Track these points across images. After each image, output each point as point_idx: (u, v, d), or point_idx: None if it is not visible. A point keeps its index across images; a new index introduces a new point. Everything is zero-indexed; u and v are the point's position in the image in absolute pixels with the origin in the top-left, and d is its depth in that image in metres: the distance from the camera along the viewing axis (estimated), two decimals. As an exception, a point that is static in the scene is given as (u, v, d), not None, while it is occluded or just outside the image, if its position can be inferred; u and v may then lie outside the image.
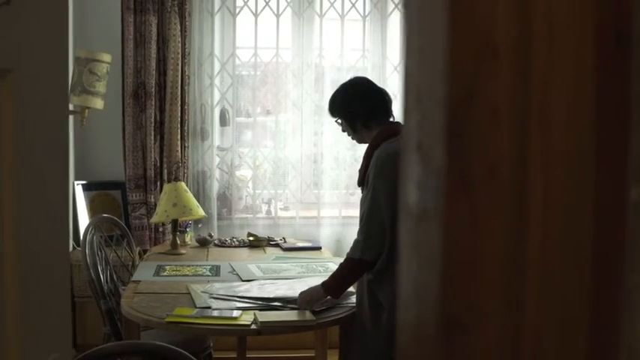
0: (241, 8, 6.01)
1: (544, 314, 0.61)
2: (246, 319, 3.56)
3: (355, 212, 6.07)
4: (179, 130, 5.81)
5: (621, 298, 0.61)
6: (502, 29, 0.59)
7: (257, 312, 3.62)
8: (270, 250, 5.28)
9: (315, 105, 6.11)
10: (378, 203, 3.54)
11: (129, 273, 5.01)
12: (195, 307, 3.70)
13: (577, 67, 0.60)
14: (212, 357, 4.69)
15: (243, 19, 6.04)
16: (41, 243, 1.44)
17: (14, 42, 1.36)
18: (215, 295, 3.89)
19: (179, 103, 5.78)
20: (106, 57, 5.49)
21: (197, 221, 5.76)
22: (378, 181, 3.54)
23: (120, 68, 5.71)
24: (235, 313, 3.61)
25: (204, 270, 4.56)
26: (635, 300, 0.60)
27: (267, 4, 6.03)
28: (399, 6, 6.13)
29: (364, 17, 6.15)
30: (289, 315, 3.62)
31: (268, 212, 6.23)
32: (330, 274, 3.81)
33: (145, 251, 5.54)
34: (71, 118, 5.07)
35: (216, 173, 6.08)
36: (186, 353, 2.41)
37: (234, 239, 5.51)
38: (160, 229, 5.86)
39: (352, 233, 5.94)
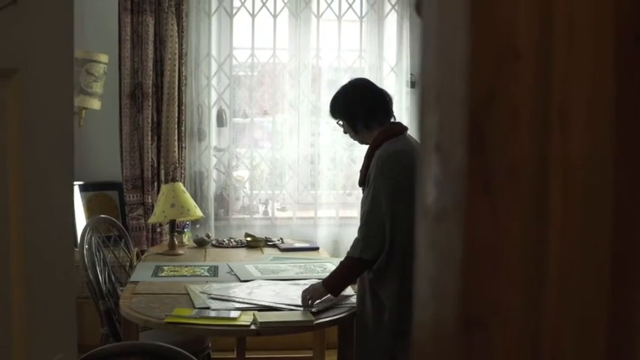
0: (238, 9, 6.01)
1: (563, 314, 0.62)
2: (246, 319, 3.56)
3: (352, 213, 6.12)
4: (176, 131, 5.81)
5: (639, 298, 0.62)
6: (523, 30, 0.60)
7: (256, 312, 3.62)
8: (267, 250, 5.28)
9: (312, 105, 6.12)
10: (379, 203, 3.55)
11: (126, 274, 5.00)
12: (194, 308, 3.70)
13: (597, 67, 0.60)
14: (210, 358, 4.69)
15: (240, 20, 6.04)
16: (46, 243, 1.44)
17: (20, 42, 1.36)
18: (214, 296, 3.89)
19: (176, 103, 5.78)
20: (103, 57, 5.50)
21: (194, 222, 5.76)
22: (378, 181, 3.55)
23: (117, 69, 5.71)
24: (234, 314, 3.61)
25: (203, 270, 4.56)
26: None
27: (264, 4, 6.03)
28: (396, 7, 6.14)
29: (361, 18, 6.16)
30: (288, 315, 3.63)
31: (265, 213, 6.24)
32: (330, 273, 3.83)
33: (142, 252, 5.53)
34: (69, 118, 5.05)
35: (214, 174, 6.08)
36: (189, 354, 2.41)
37: (232, 240, 5.51)
38: (158, 230, 5.86)
39: (349, 234, 5.97)
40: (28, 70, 1.37)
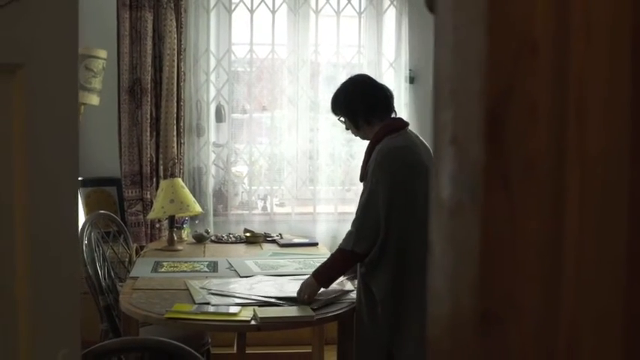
0: (237, 4, 6.01)
1: (580, 308, 0.62)
2: (246, 314, 3.56)
3: (351, 208, 6.09)
4: (175, 127, 5.81)
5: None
6: (540, 25, 0.60)
7: (256, 308, 3.62)
8: (266, 246, 5.28)
9: (310, 101, 6.12)
10: (376, 196, 3.56)
11: (126, 269, 5.00)
12: (195, 303, 3.71)
13: (613, 63, 0.60)
14: (210, 353, 4.70)
15: (239, 16, 6.04)
16: (51, 238, 1.44)
17: (24, 37, 1.36)
18: (214, 291, 3.89)
19: (175, 99, 5.78)
20: (102, 53, 5.49)
21: (193, 217, 5.76)
22: (377, 175, 3.56)
23: (115, 64, 5.71)
24: (234, 309, 3.61)
25: (202, 266, 4.56)
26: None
27: (262, 0, 6.03)
28: (395, 2, 6.14)
29: (360, 14, 6.16)
30: (289, 311, 3.63)
31: (264, 208, 6.24)
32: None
33: (141, 247, 5.54)
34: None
35: (212, 169, 6.08)
36: (191, 349, 2.41)
37: (231, 235, 5.51)
38: (157, 226, 5.86)
39: (348, 229, 5.98)
40: (33, 65, 1.36)
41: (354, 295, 3.86)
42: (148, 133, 5.74)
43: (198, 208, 5.24)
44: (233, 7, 5.99)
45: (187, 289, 3.97)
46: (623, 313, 0.62)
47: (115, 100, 5.75)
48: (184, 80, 5.87)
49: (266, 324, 3.51)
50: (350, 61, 6.18)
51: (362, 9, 6.16)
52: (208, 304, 3.70)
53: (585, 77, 0.60)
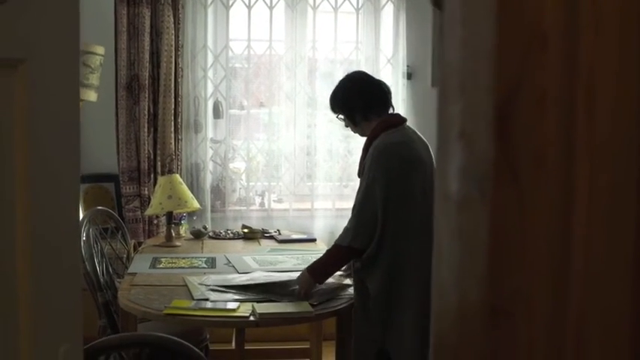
0: (234, 1, 6.00)
1: (589, 302, 0.62)
2: (244, 310, 3.56)
3: (349, 204, 6.04)
4: (172, 123, 5.80)
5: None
6: (550, 18, 0.60)
7: (255, 304, 3.62)
8: (264, 242, 5.29)
9: (308, 97, 6.12)
10: (372, 192, 3.56)
11: (124, 265, 5.00)
12: (193, 299, 3.71)
13: (623, 55, 0.60)
14: (209, 349, 4.70)
15: (237, 12, 6.03)
16: (52, 233, 1.44)
17: (26, 32, 1.35)
18: (212, 287, 3.90)
19: (172, 95, 5.77)
20: (99, 49, 5.48)
21: (191, 214, 5.76)
22: (374, 171, 3.57)
23: (113, 60, 5.70)
24: (233, 305, 3.61)
25: (200, 262, 4.56)
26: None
27: (260, -4, 6.03)
28: (393, -2, 6.14)
29: (357, 10, 6.15)
30: (287, 306, 3.63)
31: (262, 204, 6.23)
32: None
33: (139, 244, 5.53)
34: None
35: (210, 166, 6.08)
36: (191, 346, 2.41)
37: (229, 231, 5.51)
38: (154, 222, 5.85)
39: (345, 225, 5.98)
40: (34, 60, 1.36)
41: (351, 290, 3.86)
42: (146, 130, 5.74)
43: (196, 204, 5.24)
44: (230, 3, 5.98)
45: (186, 285, 3.97)
46: (632, 307, 0.62)
47: (113, 96, 5.74)
48: (182, 76, 5.86)
49: (265, 320, 3.51)
50: (347, 57, 6.18)
51: (359, 5, 6.15)
52: (207, 300, 3.70)
53: (595, 70, 0.60)
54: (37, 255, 1.39)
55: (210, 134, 6.08)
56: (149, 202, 5.47)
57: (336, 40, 6.14)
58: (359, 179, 3.82)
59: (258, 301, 3.68)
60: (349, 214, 6.00)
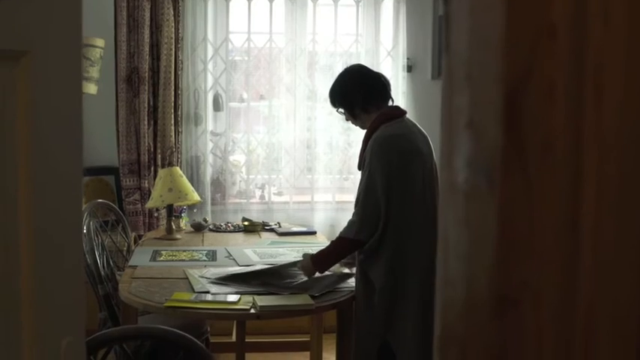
0: (234, -7, 5.99)
1: (597, 293, 0.62)
2: (245, 303, 3.57)
3: (349, 197, 6.11)
4: (173, 115, 5.80)
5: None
6: (558, 8, 0.59)
7: (256, 296, 3.62)
8: (265, 235, 5.29)
9: (308, 90, 6.11)
10: (374, 184, 3.57)
11: (124, 258, 5.00)
12: (194, 292, 3.71)
13: (631, 46, 0.60)
14: (209, 342, 4.70)
15: (237, 4, 6.03)
16: (55, 227, 1.44)
17: (29, 24, 1.35)
18: (213, 280, 3.90)
19: (172, 88, 5.77)
20: (100, 42, 5.47)
21: (191, 206, 5.75)
22: (374, 163, 3.57)
23: (113, 53, 5.69)
24: (234, 298, 3.61)
25: (201, 255, 4.56)
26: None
27: (260, -12, 6.02)
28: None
29: (357, 2, 6.14)
30: (288, 299, 3.64)
31: (262, 197, 6.24)
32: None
33: (139, 236, 5.53)
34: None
35: (210, 158, 6.08)
36: (194, 338, 2.41)
37: (229, 224, 5.51)
38: (155, 215, 5.86)
39: (346, 218, 5.92)
40: (37, 52, 1.36)
41: (352, 282, 3.87)
42: (146, 122, 5.74)
43: (196, 197, 5.24)
44: (230, -5, 5.98)
45: (186, 278, 3.97)
46: (640, 296, 0.62)
47: (113, 89, 5.74)
48: (182, 69, 5.86)
49: (265, 312, 3.52)
50: (347, 49, 6.18)
51: (359, -3, 6.15)
52: (207, 292, 3.70)
53: (603, 59, 0.60)
54: (39, 248, 1.39)
55: (210, 127, 6.08)
56: (149, 195, 5.48)
57: (336, 32, 6.13)
58: (359, 172, 3.83)
59: (258, 294, 3.68)
60: (349, 207, 6.00)
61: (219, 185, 6.15)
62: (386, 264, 3.60)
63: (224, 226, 5.47)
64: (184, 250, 4.68)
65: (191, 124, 5.97)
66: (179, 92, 5.84)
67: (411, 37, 6.16)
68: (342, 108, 3.84)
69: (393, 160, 3.59)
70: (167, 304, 3.54)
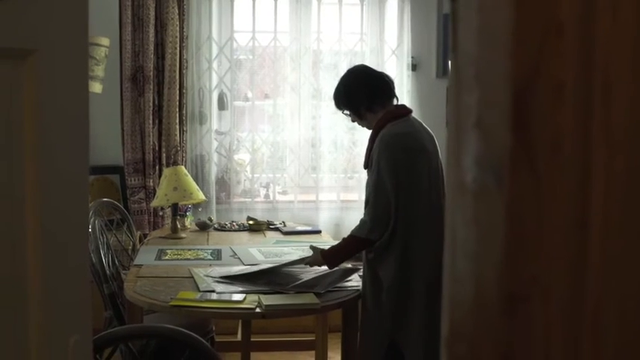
0: (239, -8, 6.00)
1: (606, 290, 0.62)
2: (251, 302, 3.57)
3: (354, 196, 6.13)
4: (177, 114, 5.81)
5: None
6: (566, 6, 0.60)
7: (261, 295, 3.62)
8: (270, 234, 5.29)
9: (313, 89, 6.12)
10: (383, 183, 3.58)
11: (129, 257, 5.01)
12: (199, 291, 3.71)
13: (639, 44, 0.60)
14: (214, 341, 4.70)
15: (241, 3, 6.04)
16: (62, 225, 1.44)
17: (35, 23, 1.35)
18: (218, 279, 3.90)
19: (177, 87, 5.78)
20: (104, 41, 5.48)
21: (196, 205, 5.76)
22: (382, 162, 3.58)
23: (118, 52, 5.70)
24: (239, 297, 3.61)
25: (206, 254, 4.56)
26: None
27: (264, -13, 6.02)
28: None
29: (362, 1, 6.15)
30: (293, 298, 3.64)
31: (267, 196, 6.24)
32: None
33: (144, 235, 5.54)
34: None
35: (215, 157, 6.08)
36: (200, 338, 2.41)
37: (234, 223, 5.51)
38: (160, 214, 5.86)
39: (351, 217, 6.00)
40: (43, 51, 1.36)
41: (357, 280, 3.88)
42: (151, 121, 5.74)
43: (201, 196, 5.24)
44: (235, -6, 5.99)
45: (192, 277, 3.98)
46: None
47: (118, 87, 5.75)
48: (187, 68, 5.87)
49: (271, 311, 3.52)
50: (352, 48, 6.18)
51: (364, -4, 6.15)
52: (213, 291, 3.70)
53: (612, 58, 0.60)
54: (46, 247, 1.40)
55: (215, 126, 6.08)
56: (154, 194, 5.48)
57: (341, 31, 6.14)
58: (365, 170, 3.84)
59: (264, 293, 3.68)
60: (354, 206, 6.03)
61: (224, 184, 6.16)
62: (395, 262, 3.61)
63: (229, 225, 5.48)
64: (189, 249, 4.69)
65: (196, 123, 5.98)
66: (184, 91, 5.85)
67: (415, 35, 6.17)
68: (347, 110, 3.85)
69: (399, 158, 3.60)
70: (172, 303, 3.54)
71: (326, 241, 4.99)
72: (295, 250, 4.65)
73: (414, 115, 3.90)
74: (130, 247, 5.20)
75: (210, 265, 4.27)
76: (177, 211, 5.15)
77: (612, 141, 0.61)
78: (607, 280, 0.62)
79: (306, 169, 6.25)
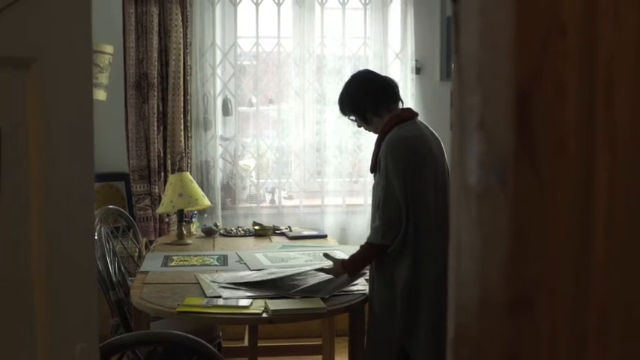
0: (242, -2, 6.01)
1: (610, 291, 0.62)
2: (257, 307, 3.57)
3: (359, 200, 6.13)
4: (182, 121, 5.81)
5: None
6: (569, 7, 0.60)
7: (267, 300, 3.62)
8: (275, 239, 5.28)
9: (317, 94, 6.11)
10: (392, 187, 3.59)
11: (135, 264, 5.01)
12: (206, 297, 3.71)
13: (641, 43, 0.60)
14: (221, 346, 4.70)
15: (244, 9, 6.04)
16: (68, 233, 1.44)
17: (38, 31, 1.36)
18: (225, 285, 3.90)
19: (181, 93, 5.78)
20: (108, 48, 5.49)
21: (202, 211, 5.76)
22: (389, 167, 3.59)
23: (122, 59, 5.70)
24: (245, 302, 3.61)
25: (212, 260, 4.56)
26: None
27: (267, -7, 6.03)
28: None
29: (365, 5, 6.15)
30: (300, 303, 3.63)
31: (272, 201, 6.24)
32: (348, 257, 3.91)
33: (150, 242, 5.54)
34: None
35: (220, 163, 6.08)
36: (207, 344, 2.41)
37: (240, 229, 5.51)
38: (166, 220, 5.86)
39: (357, 221, 6.00)
40: (47, 59, 1.36)
41: (362, 284, 3.88)
42: (155, 128, 5.74)
43: (207, 202, 5.24)
44: (238, 0, 5.98)
45: (198, 283, 3.98)
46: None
47: (122, 95, 5.75)
48: (191, 74, 5.87)
49: (277, 316, 3.51)
50: (356, 52, 6.18)
51: (367, 0, 6.15)
52: (219, 297, 3.70)
53: (614, 58, 0.60)
54: (52, 255, 1.40)
55: (219, 132, 6.08)
56: (159, 201, 5.49)
57: (344, 36, 6.14)
58: (371, 174, 3.84)
59: (270, 298, 3.68)
60: (360, 210, 6.03)
61: (229, 190, 6.16)
62: (407, 265, 3.61)
63: (235, 230, 5.48)
64: (195, 255, 4.69)
65: (200, 129, 5.98)
66: (188, 97, 5.85)
67: (419, 38, 6.16)
68: (353, 115, 3.86)
69: (407, 161, 3.60)
70: (179, 309, 3.54)
71: (332, 246, 4.99)
72: (301, 254, 4.65)
73: (419, 118, 3.90)
74: (136, 254, 5.21)
75: (217, 270, 4.27)
76: (182, 217, 5.16)
77: (615, 141, 0.61)
78: (611, 280, 0.62)
79: (311, 174, 6.25)
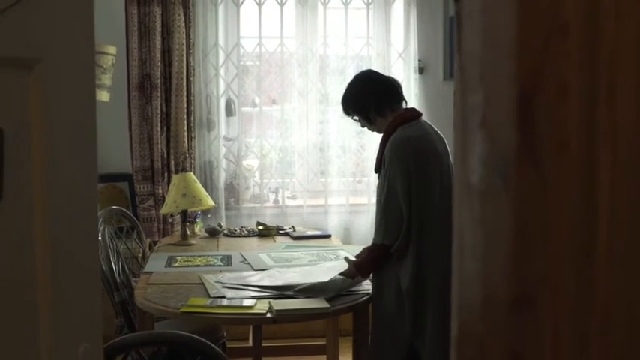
0: (245, -2, 6.01)
1: (613, 290, 0.62)
2: (261, 307, 3.57)
3: (363, 200, 6.13)
4: (185, 121, 5.81)
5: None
6: (571, 6, 0.60)
7: (272, 300, 3.62)
8: (279, 239, 5.29)
9: (320, 94, 6.11)
10: (395, 187, 3.59)
11: (139, 264, 5.01)
12: (210, 297, 3.71)
13: (643, 42, 0.60)
14: (226, 347, 4.71)
15: (247, 9, 6.04)
16: (71, 233, 1.45)
17: (41, 32, 1.36)
18: (229, 285, 3.90)
19: (185, 94, 5.78)
20: (111, 49, 5.50)
21: (205, 212, 5.76)
22: (393, 166, 3.59)
23: (125, 60, 5.70)
24: (250, 302, 3.61)
25: (216, 260, 4.56)
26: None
27: (270, -7, 6.03)
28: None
29: (368, 5, 6.15)
30: (304, 303, 3.63)
31: (276, 201, 6.24)
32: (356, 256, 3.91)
33: (154, 242, 5.54)
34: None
35: (223, 163, 6.08)
36: (212, 344, 2.41)
37: (244, 229, 5.51)
38: (169, 220, 5.87)
39: (360, 221, 6.00)
40: (50, 59, 1.36)
41: (367, 285, 3.88)
42: (159, 128, 5.75)
43: (210, 202, 5.25)
44: (241, 0, 5.98)
45: (202, 283, 3.98)
46: (657, 293, 0.62)
47: (125, 95, 5.75)
48: (194, 75, 5.87)
49: (282, 316, 3.52)
50: (359, 52, 6.18)
51: (370, 0, 6.14)
52: (223, 297, 3.70)
53: (616, 57, 0.60)
54: (56, 255, 1.40)
55: (222, 132, 6.09)
56: (163, 201, 5.49)
57: (347, 35, 6.13)
58: (375, 174, 3.84)
59: (274, 298, 3.68)
60: (363, 210, 6.03)
61: (232, 190, 6.16)
62: (412, 264, 3.61)
63: (238, 230, 5.48)
64: (199, 256, 4.69)
65: (204, 129, 5.99)
66: (191, 98, 5.85)
67: (422, 38, 6.16)
68: (356, 115, 3.86)
69: (411, 161, 3.60)
70: (183, 309, 3.54)
71: (336, 245, 4.99)
72: (305, 254, 4.65)
73: (422, 117, 3.90)
74: (140, 255, 5.21)
75: (221, 271, 4.27)
76: (186, 217, 5.16)
77: (617, 140, 0.61)
78: (614, 279, 0.62)
79: (314, 174, 6.25)
